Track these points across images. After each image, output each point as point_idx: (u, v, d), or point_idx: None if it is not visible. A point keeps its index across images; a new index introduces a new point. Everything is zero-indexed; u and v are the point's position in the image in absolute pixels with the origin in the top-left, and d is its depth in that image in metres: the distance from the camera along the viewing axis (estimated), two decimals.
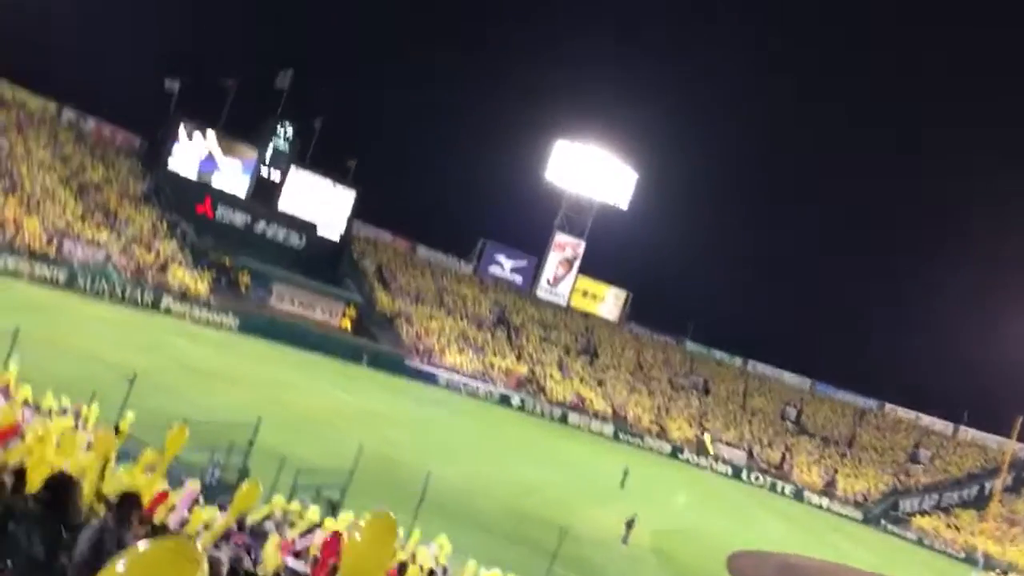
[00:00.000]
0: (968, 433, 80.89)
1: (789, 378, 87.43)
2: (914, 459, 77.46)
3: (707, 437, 62.90)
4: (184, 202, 63.08)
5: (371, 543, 3.85)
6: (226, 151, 66.48)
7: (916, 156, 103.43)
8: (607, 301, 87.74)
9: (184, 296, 53.44)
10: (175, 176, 63.93)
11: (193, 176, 65.02)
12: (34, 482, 8.04)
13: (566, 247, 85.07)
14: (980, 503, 70.43)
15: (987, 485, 72.13)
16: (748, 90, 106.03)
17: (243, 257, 62.32)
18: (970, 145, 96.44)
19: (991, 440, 78.32)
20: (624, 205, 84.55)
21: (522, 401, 67.13)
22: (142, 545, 2.76)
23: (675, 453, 69.78)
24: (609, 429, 69.52)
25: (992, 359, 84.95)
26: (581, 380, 74.90)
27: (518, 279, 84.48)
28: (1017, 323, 79.21)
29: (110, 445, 10.99)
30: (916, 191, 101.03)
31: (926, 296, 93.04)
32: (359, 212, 74.59)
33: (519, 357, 73.99)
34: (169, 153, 64.13)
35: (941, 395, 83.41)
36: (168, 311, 51.28)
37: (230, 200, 66.84)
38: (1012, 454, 70.39)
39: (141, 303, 50.37)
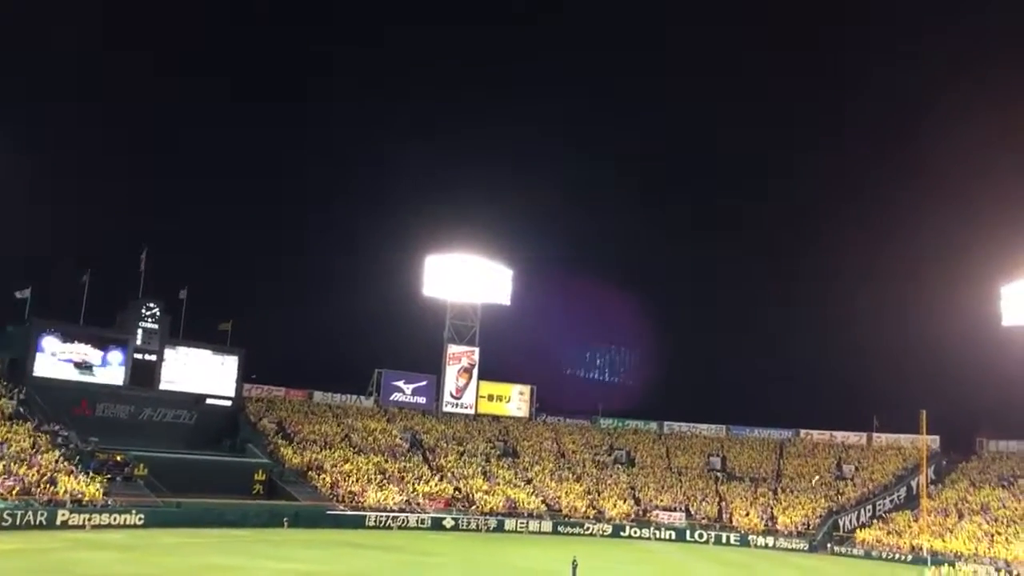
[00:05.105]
0: (882, 438, 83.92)
1: (705, 429, 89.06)
2: (840, 476, 79.39)
3: None
4: (59, 408, 60.26)
5: None
6: (95, 345, 64.24)
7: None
8: (513, 399, 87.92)
9: (80, 504, 50.37)
10: (45, 384, 61.15)
11: (64, 379, 62.38)
12: None
13: (461, 357, 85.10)
14: (911, 503, 72.52)
15: (912, 484, 74.46)
16: (592, 179, 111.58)
17: (134, 449, 59.63)
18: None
19: (904, 440, 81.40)
20: (506, 300, 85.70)
21: (455, 520, 65.65)
22: None
23: (616, 532, 69.32)
24: (547, 525, 68.61)
25: (883, 364, 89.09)
26: (508, 483, 73.99)
27: (422, 400, 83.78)
28: (899, 328, 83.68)
29: None
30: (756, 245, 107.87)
31: (805, 325, 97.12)
32: (246, 374, 73.01)
33: (442, 477, 72.61)
34: (33, 362, 61.46)
35: (848, 409, 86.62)
36: (65, 524, 48.11)
37: (108, 394, 64.37)
38: (927, 448, 73.12)
39: (35, 524, 47.12)
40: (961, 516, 68.43)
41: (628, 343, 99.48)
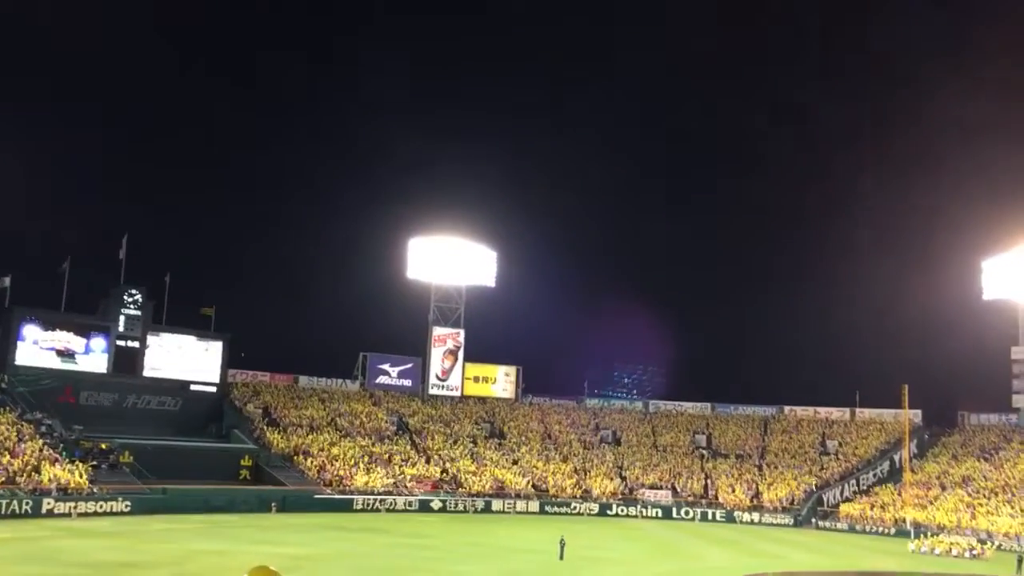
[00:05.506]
0: (865, 413, 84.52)
1: (690, 407, 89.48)
2: (824, 452, 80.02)
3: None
4: (43, 396, 59.93)
5: None
6: (77, 332, 63.80)
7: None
8: (499, 381, 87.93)
9: (65, 493, 50.15)
10: (26, 372, 60.74)
11: (46, 367, 61.96)
12: None
13: (446, 339, 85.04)
14: (894, 476, 73.21)
15: (895, 458, 75.15)
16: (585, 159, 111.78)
17: (119, 436, 59.37)
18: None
19: (887, 414, 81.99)
20: (491, 282, 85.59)
21: (443, 502, 65.82)
22: None
23: (603, 511, 69.71)
24: (535, 505, 68.90)
25: (866, 340, 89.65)
26: (495, 464, 74.18)
27: (407, 383, 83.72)
28: (881, 304, 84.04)
29: None
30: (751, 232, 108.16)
31: (788, 303, 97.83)
32: (234, 356, 72.74)
33: (428, 460, 72.74)
34: (14, 351, 60.98)
35: (831, 385, 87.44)
36: (51, 513, 47.94)
37: (92, 382, 64.00)
38: (909, 422, 73.73)
39: (20, 513, 46.90)
40: (944, 489, 69.18)
41: (612, 322, 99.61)
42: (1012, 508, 63.14)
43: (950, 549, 53.58)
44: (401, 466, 69.61)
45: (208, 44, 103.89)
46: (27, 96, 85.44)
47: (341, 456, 68.08)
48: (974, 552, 52.91)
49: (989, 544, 55.58)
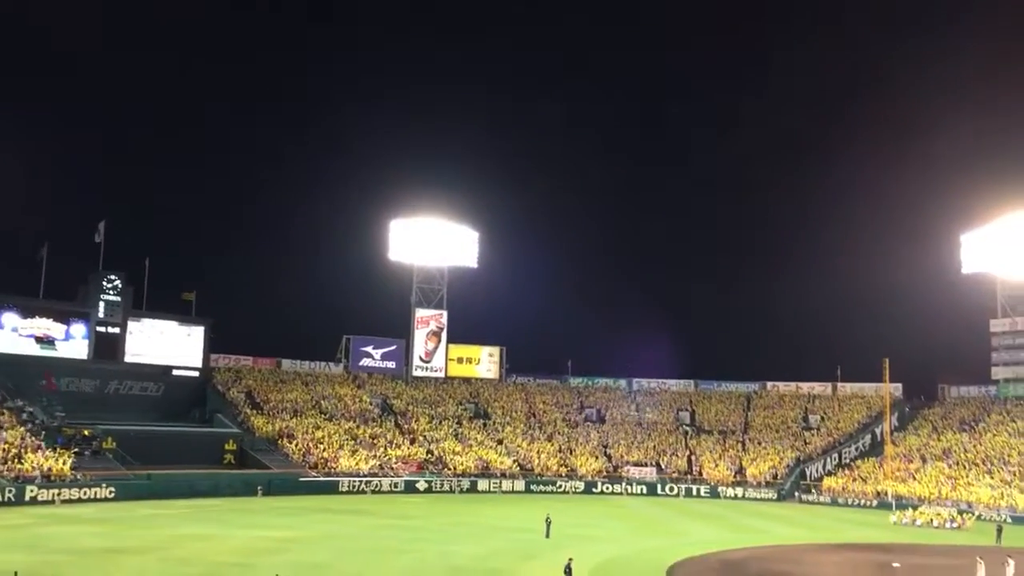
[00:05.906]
0: (846, 388, 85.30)
1: (673, 384, 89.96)
2: (806, 426, 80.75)
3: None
4: (23, 383, 59.51)
5: None
6: (56, 319, 63.24)
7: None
8: (483, 361, 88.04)
9: (48, 480, 49.88)
10: (6, 360, 60.19)
11: (26, 354, 61.44)
12: None
13: (429, 320, 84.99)
14: (875, 450, 74.01)
15: (877, 431, 75.94)
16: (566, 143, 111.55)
17: (102, 422, 59.03)
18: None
19: (868, 388, 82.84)
20: (473, 263, 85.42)
21: (428, 483, 65.98)
22: None
23: (589, 489, 70.11)
24: (520, 484, 69.21)
25: (847, 314, 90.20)
26: (480, 445, 74.38)
27: (391, 365, 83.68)
28: (861, 278, 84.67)
29: None
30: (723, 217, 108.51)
31: (769, 279, 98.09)
32: (214, 344, 72.32)
33: (413, 441, 72.83)
34: None
35: (813, 360, 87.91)
36: (35, 500, 47.72)
37: (73, 368, 63.59)
38: (890, 396, 74.46)
39: (3, 501, 46.65)
40: (924, 461, 69.98)
41: (595, 300, 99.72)
42: (992, 479, 64.00)
43: (931, 520, 54.30)
44: (386, 448, 69.65)
45: (208, 44, 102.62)
46: (27, 96, 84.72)
47: (326, 439, 68.03)
48: (955, 523, 53.64)
49: (969, 515, 56.33)
